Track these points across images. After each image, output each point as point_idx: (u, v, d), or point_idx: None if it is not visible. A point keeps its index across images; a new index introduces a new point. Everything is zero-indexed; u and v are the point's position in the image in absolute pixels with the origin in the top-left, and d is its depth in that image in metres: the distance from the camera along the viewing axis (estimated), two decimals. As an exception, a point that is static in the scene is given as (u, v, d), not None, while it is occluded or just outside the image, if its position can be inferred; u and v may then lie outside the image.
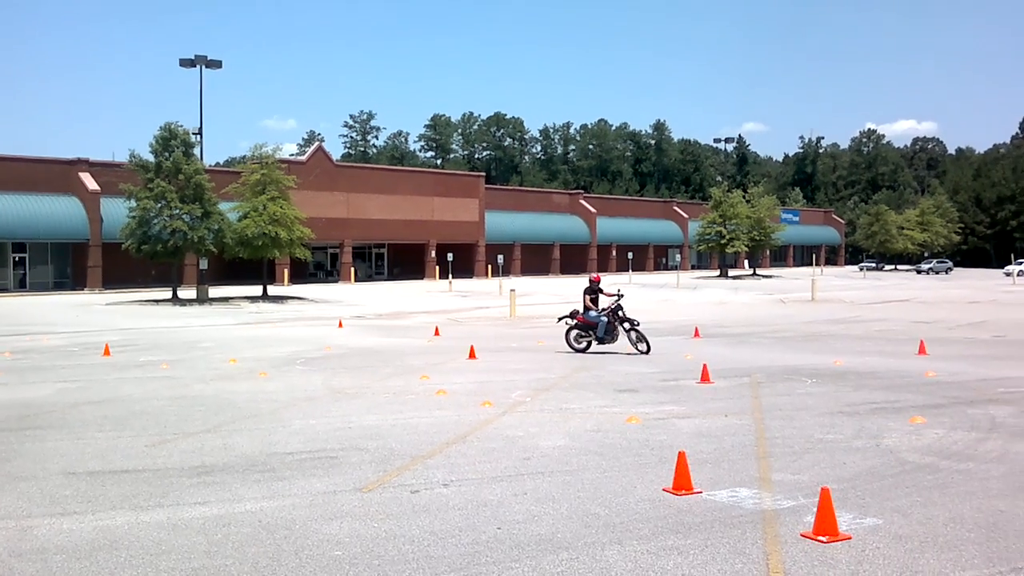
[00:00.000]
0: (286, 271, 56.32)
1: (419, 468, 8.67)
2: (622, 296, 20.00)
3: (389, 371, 16.42)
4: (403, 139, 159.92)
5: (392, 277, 69.93)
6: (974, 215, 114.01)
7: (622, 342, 19.49)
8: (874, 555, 6.05)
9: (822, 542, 6.27)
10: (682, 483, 7.71)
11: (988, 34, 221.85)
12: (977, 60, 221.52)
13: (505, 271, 67.91)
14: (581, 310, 19.76)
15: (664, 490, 7.74)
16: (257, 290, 45.40)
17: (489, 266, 70.80)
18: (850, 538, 6.37)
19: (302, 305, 39.61)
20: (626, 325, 19.26)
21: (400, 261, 71.94)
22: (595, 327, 19.33)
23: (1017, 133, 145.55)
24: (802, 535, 6.45)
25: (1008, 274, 77.10)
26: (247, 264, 48.63)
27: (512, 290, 35.23)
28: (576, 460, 8.99)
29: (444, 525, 6.83)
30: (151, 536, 6.62)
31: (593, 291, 19.83)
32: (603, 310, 19.52)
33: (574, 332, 19.68)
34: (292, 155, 70.64)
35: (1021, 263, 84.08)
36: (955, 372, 15.65)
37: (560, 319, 20.49)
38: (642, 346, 19.10)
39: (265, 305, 39.51)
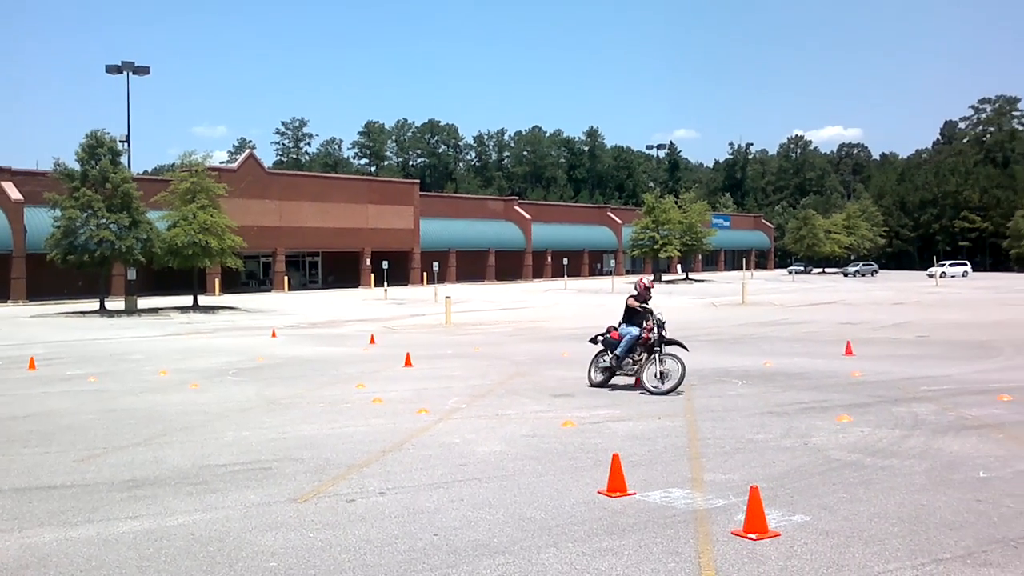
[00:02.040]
0: (217, 281, 55.45)
1: (355, 477, 8.64)
2: (650, 311, 14.61)
3: (324, 380, 16.30)
4: (336, 146, 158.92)
5: (326, 285, 69.32)
6: (898, 219, 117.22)
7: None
8: (802, 551, 6.21)
9: (752, 540, 6.42)
10: (616, 485, 7.82)
11: (911, 43, 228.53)
12: (901, 68, 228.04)
13: (440, 278, 67.80)
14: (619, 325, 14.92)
15: (599, 492, 7.84)
16: (187, 300, 44.60)
17: (424, 273, 70.63)
18: (779, 535, 6.53)
19: (234, 315, 39.04)
20: (658, 351, 14.06)
21: (334, 269, 71.36)
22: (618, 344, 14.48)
23: (938, 139, 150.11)
24: (733, 533, 6.59)
25: (931, 276, 79.40)
26: (177, 274, 47.72)
27: (448, 297, 35.21)
28: (512, 465, 9.05)
29: (380, 533, 6.82)
30: (81, 552, 6.49)
31: (640, 300, 14.82)
32: (644, 327, 14.33)
33: (600, 358, 14.96)
34: (223, 163, 69.79)
35: (943, 265, 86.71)
36: (880, 372, 16.09)
37: (593, 339, 15.25)
38: (667, 382, 13.74)
39: (196, 315, 38.84)
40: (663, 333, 14.12)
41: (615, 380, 14.80)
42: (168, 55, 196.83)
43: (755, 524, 6.53)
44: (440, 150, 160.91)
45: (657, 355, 14.01)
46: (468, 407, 12.88)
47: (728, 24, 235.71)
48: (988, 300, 43.06)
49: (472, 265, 78.30)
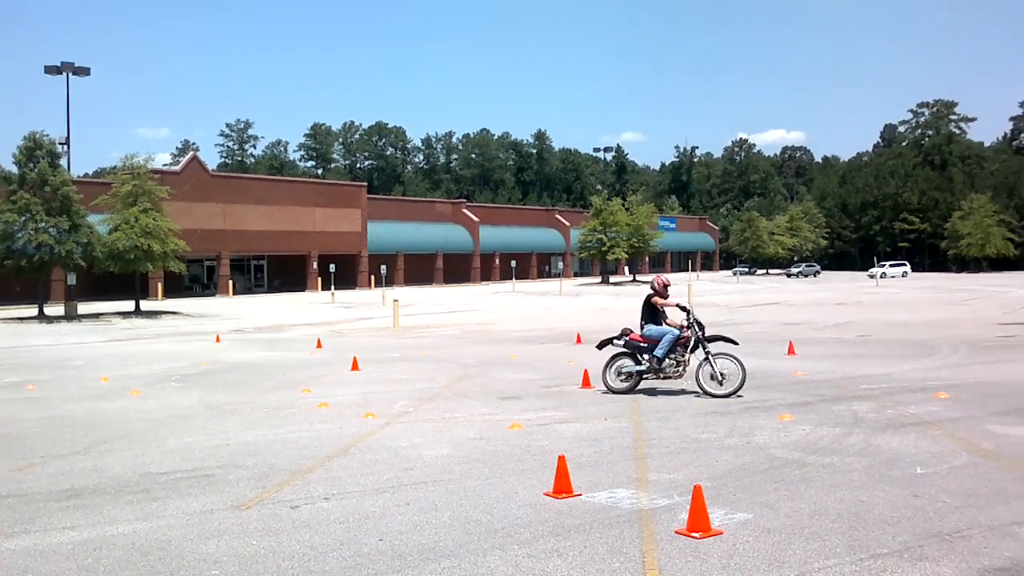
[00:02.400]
0: (160, 285, 54.58)
1: (299, 483, 8.56)
2: (687, 310, 14.02)
3: (269, 385, 16.12)
4: (282, 148, 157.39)
5: (272, 289, 68.58)
6: (840, 220, 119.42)
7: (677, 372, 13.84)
8: (744, 549, 6.29)
9: (695, 538, 6.49)
10: (562, 486, 7.85)
11: (852, 48, 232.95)
12: (842, 73, 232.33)
13: (388, 281, 67.50)
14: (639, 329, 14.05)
15: (545, 494, 7.86)
16: (129, 305, 43.82)
17: (372, 277, 70.26)
18: (722, 533, 6.61)
19: (178, 320, 38.44)
20: (706, 350, 13.46)
21: (280, 273, 70.64)
22: (654, 345, 13.64)
23: (879, 142, 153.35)
24: (677, 532, 6.65)
25: (872, 276, 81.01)
26: (119, 279, 46.88)
27: (395, 300, 35.06)
28: (459, 468, 9.04)
29: (325, 539, 6.77)
30: (17, 564, 6.34)
31: (645, 301, 14.22)
32: (681, 326, 13.78)
33: (619, 362, 14.00)
34: (165, 165, 68.66)
35: (884, 266, 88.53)
36: (822, 371, 16.37)
37: (602, 345, 14.56)
38: (723, 386, 13.12)
39: (138, 321, 38.17)
40: (700, 331, 13.57)
41: (603, 383, 14.10)
42: (109, 56, 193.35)
43: (698, 523, 6.60)
44: (388, 153, 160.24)
45: (709, 355, 13.36)
46: (415, 411, 12.83)
47: (674, 28, 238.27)
48: (927, 300, 44.04)
49: (420, 268, 78.08)
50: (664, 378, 13.75)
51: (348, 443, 10.43)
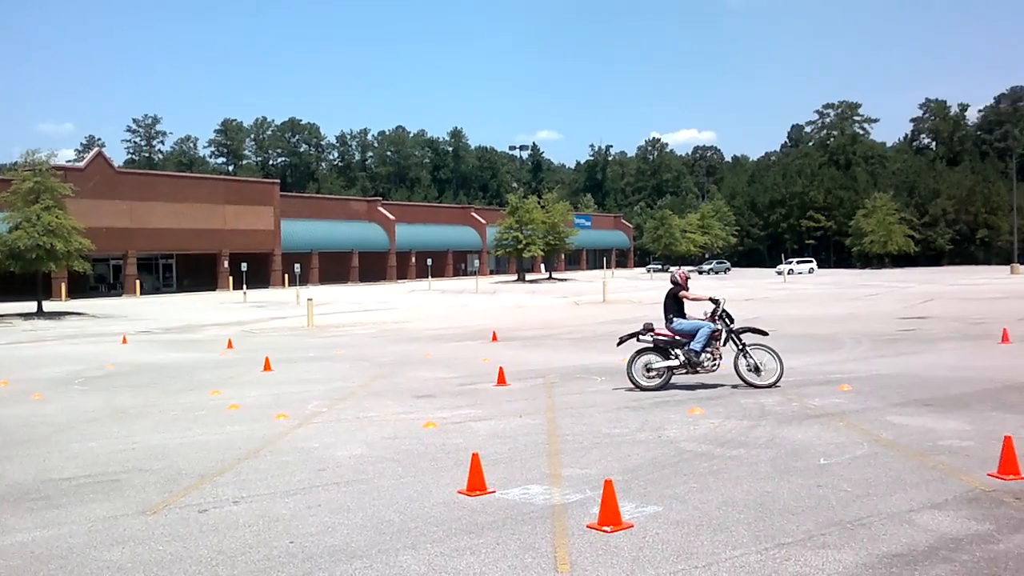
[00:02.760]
0: (64, 285, 52.79)
1: (208, 487, 8.39)
2: (719, 303, 14.02)
3: (177, 387, 15.75)
4: (192, 145, 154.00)
5: (182, 289, 66.96)
6: (749, 218, 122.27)
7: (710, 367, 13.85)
8: (654, 541, 6.40)
9: (606, 532, 6.57)
10: (476, 484, 7.86)
11: (761, 50, 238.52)
12: (751, 74, 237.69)
13: (303, 280, 66.59)
14: (664, 324, 13.99)
15: (459, 492, 7.87)
16: (31, 306, 42.26)
17: (286, 276, 69.21)
18: (632, 526, 6.71)
19: (82, 321, 37.25)
20: (738, 342, 13.69)
21: (190, 272, 69.00)
22: (688, 340, 13.58)
23: (786, 142, 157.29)
24: (588, 526, 6.73)
25: (779, 273, 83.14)
26: (20, 279, 45.11)
27: (309, 299, 34.60)
28: (372, 468, 8.97)
29: (234, 543, 6.65)
30: (-96, 578, 6.07)
31: (671, 295, 14.16)
32: (711, 316, 13.89)
33: (643, 359, 13.72)
34: (69, 161, 66.46)
35: (791, 263, 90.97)
36: (730, 365, 16.69)
37: (623, 339, 14.34)
38: (763, 376, 13.39)
39: (40, 322, 36.87)
40: (729, 323, 13.71)
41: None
42: (9, 49, 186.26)
43: (609, 517, 6.69)
44: (301, 149, 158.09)
45: (745, 347, 13.56)
46: (328, 411, 12.70)
47: (588, 28, 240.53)
48: (831, 295, 45.37)
49: (335, 267, 77.22)
50: (702, 371, 13.61)
51: (259, 445, 10.27)
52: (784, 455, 9.08)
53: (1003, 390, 12.84)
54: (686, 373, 13.69)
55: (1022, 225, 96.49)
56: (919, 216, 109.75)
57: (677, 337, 13.68)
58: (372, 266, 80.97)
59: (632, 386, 13.64)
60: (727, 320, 13.78)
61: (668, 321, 13.85)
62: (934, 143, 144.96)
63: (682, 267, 13.36)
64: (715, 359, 13.67)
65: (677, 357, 13.54)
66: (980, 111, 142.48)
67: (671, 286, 14.21)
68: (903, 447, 9.30)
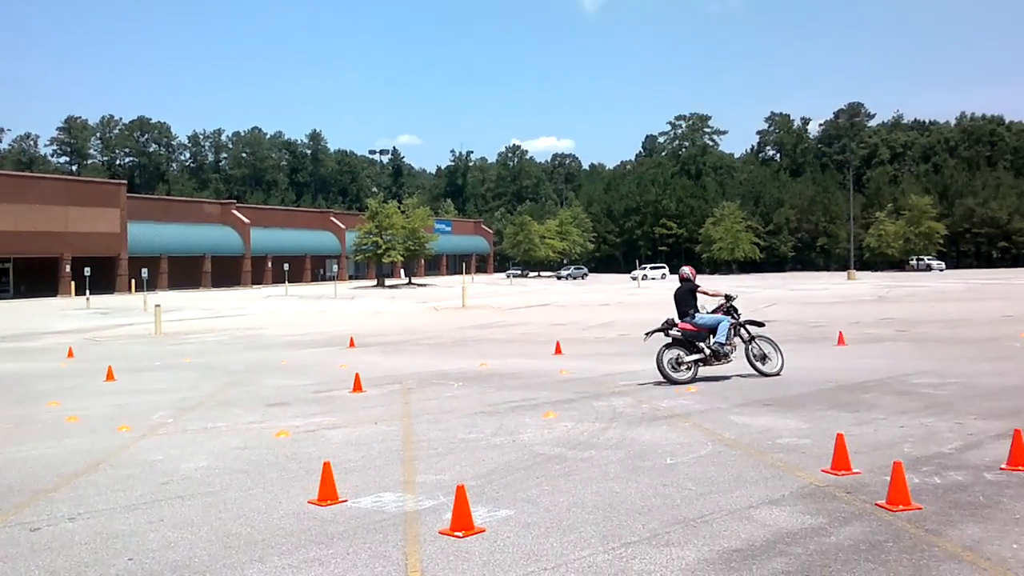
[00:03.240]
0: None
1: (42, 503, 7.95)
2: (732, 299, 15.33)
3: (11, 399, 14.88)
4: (32, 143, 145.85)
5: (19, 295, 63.28)
6: (606, 225, 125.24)
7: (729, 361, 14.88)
8: (505, 545, 6.44)
9: (458, 537, 6.57)
10: (327, 493, 7.73)
11: (617, 61, 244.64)
12: (608, 84, 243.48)
13: (151, 286, 64.03)
14: (677, 319, 14.83)
15: (310, 502, 7.72)
16: None
17: (133, 281, 66.42)
18: (484, 531, 6.73)
19: (-95, 329, 34.69)
20: (744, 333, 14.97)
21: (28, 277, 65.26)
22: (711, 334, 14.57)
23: (641, 151, 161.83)
24: (440, 532, 6.72)
25: (634, 278, 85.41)
26: None
27: (158, 305, 33.30)
28: (219, 480, 8.70)
29: (68, 562, 6.31)
30: None
31: (688, 292, 15.06)
32: (716, 309, 15.13)
33: (671, 353, 14.43)
34: None
35: (645, 268, 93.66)
36: (585, 369, 17.05)
37: (649, 334, 15.20)
38: (770, 364, 14.76)
39: None
40: (736, 316, 14.98)
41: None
42: None
43: (461, 522, 6.70)
44: (151, 149, 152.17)
45: (754, 338, 14.81)
46: (175, 421, 12.24)
47: (449, 34, 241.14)
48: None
49: (187, 271, 74.65)
50: (718, 358, 14.52)
51: (98, 458, 9.80)
52: (633, 456, 9.30)
53: (838, 390, 13.55)
54: (726, 361, 14.69)
55: (858, 233, 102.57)
56: (764, 224, 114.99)
57: (700, 331, 14.62)
58: (226, 271, 78.68)
59: (663, 379, 14.34)
60: (735, 314, 15.01)
61: (690, 316, 14.79)
62: (778, 155, 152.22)
63: (684, 267, 14.66)
64: (734, 349, 14.81)
65: (703, 351, 14.49)
66: (821, 125, 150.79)
67: (683, 283, 15.16)
68: (744, 446, 9.68)
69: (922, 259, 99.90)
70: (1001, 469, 8.23)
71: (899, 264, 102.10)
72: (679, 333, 14.53)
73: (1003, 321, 26.16)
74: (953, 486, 7.73)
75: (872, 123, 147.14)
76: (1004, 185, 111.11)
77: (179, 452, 10.09)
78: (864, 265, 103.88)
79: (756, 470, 8.56)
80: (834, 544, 6.31)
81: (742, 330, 14.98)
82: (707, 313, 15.01)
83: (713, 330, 14.57)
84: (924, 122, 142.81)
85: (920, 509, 7.02)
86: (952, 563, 5.81)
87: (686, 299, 14.98)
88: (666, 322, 14.71)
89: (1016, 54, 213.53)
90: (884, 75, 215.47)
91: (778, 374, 14.77)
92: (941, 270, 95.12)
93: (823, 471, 8.37)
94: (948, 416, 11.05)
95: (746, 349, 14.89)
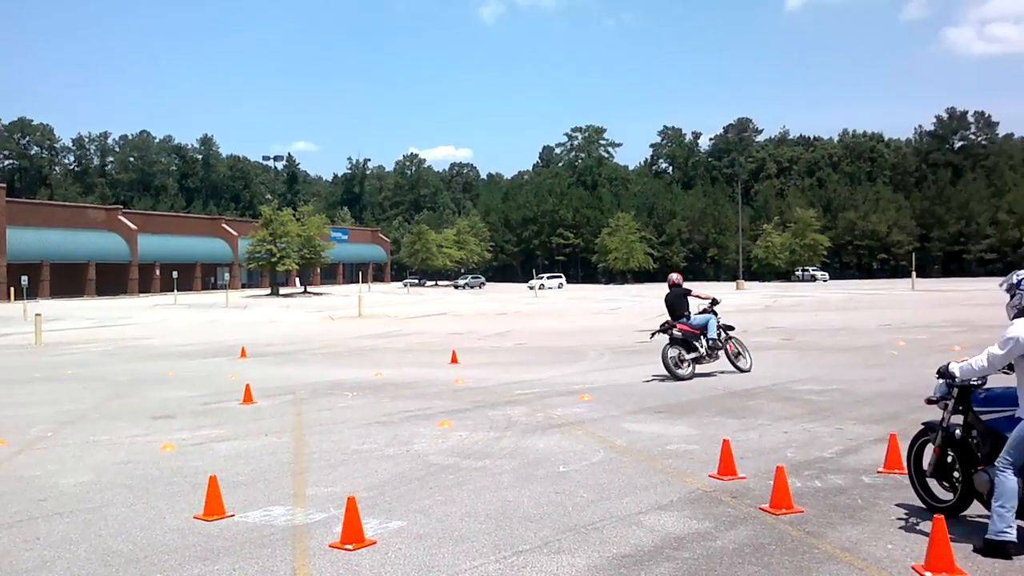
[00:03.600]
0: None
1: (-95, 524, 7.52)
2: (717, 302, 16.94)
3: None
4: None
5: None
6: (503, 234, 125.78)
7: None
8: (396, 557, 6.39)
9: (349, 550, 6.49)
10: (213, 508, 7.54)
11: (515, 72, 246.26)
12: (506, 94, 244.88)
13: (32, 294, 61.43)
14: (672, 319, 16.41)
15: (195, 517, 7.51)
16: None
17: (12, 289, 63.54)
18: (375, 543, 6.67)
19: None
20: (723, 334, 16.54)
21: None
22: (702, 333, 16.11)
23: (538, 162, 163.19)
24: (331, 545, 6.62)
25: (531, 288, 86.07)
26: None
27: (38, 315, 31.94)
28: (100, 496, 8.39)
29: (-68, 586, 6.00)
30: None
31: (681, 295, 16.71)
32: (702, 311, 16.63)
33: (673, 351, 15.84)
34: None
35: (542, 278, 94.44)
36: (481, 378, 17.08)
37: (653, 334, 16.86)
38: (743, 361, 16.45)
39: None
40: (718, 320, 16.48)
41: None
42: None
43: (352, 534, 6.62)
44: (32, 152, 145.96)
45: (732, 339, 16.49)
46: (54, 435, 11.76)
47: (346, 39, 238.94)
48: (578, 309, 47.51)
49: (69, 279, 71.85)
50: (712, 356, 16.06)
51: (-31, 475, 9.32)
52: (526, 464, 9.36)
53: (725, 396, 13.93)
54: (699, 363, 16.00)
55: (747, 245, 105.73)
56: (657, 235, 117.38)
57: (694, 331, 16.05)
58: (111, 279, 76.03)
59: (667, 375, 15.66)
60: (716, 316, 16.45)
61: (686, 318, 16.32)
62: (671, 167, 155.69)
63: (672, 274, 16.30)
64: (723, 345, 16.32)
65: (699, 349, 15.92)
66: (711, 139, 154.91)
67: (672, 288, 16.74)
68: (635, 452, 9.86)
69: (807, 270, 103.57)
70: (878, 472, 8.60)
71: (785, 275, 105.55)
72: (679, 333, 15.93)
73: (882, 330, 27.33)
74: (833, 489, 8.03)
75: (760, 138, 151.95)
76: (883, 199, 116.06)
77: (58, 467, 9.69)
78: (752, 275, 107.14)
79: (646, 476, 8.72)
80: (719, 548, 6.47)
81: (722, 331, 16.41)
82: (696, 315, 16.54)
83: (704, 329, 16.09)
84: (809, 138, 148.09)
85: (802, 512, 7.26)
86: (831, 564, 6.03)
87: (680, 302, 16.56)
88: (665, 323, 16.22)
89: (895, 76, 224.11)
90: (771, 92, 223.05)
91: (749, 370, 16.26)
92: (825, 281, 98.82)
93: (710, 476, 8.58)
94: (829, 421, 11.48)
95: (725, 348, 16.36)
